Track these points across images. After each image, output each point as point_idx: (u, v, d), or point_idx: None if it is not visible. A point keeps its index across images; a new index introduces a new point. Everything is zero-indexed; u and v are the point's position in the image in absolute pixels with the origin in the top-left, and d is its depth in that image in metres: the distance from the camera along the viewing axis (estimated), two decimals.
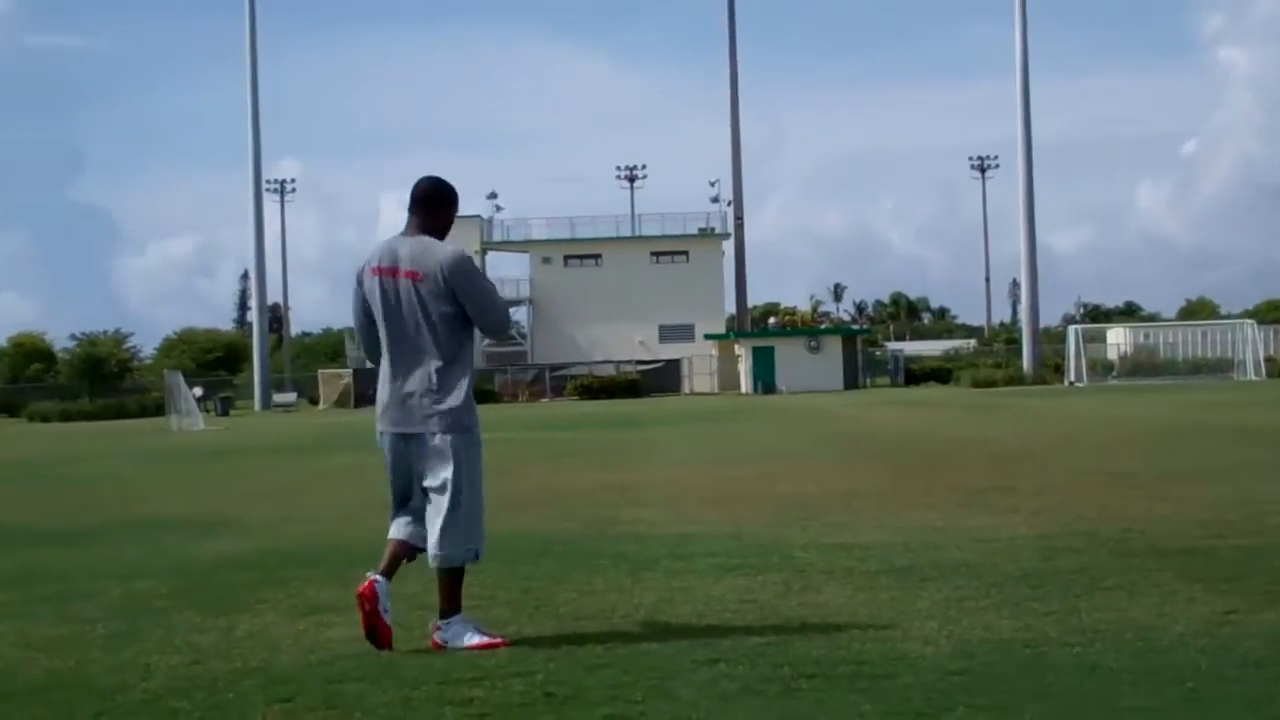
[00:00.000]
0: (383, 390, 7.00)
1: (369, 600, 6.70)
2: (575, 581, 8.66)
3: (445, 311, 6.81)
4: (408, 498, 7.02)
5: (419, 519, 6.98)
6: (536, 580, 8.75)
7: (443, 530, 6.80)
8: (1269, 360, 71.97)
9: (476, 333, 7.08)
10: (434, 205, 7.02)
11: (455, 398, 6.84)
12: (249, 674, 6.30)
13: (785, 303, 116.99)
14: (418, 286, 6.81)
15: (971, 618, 7.01)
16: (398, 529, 7.04)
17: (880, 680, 5.75)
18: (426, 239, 6.92)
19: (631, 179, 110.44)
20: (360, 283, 7.01)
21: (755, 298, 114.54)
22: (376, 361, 7.13)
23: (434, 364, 6.84)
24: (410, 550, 7.01)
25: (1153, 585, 7.84)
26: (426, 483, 6.87)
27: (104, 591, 9.02)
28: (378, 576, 6.80)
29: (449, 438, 6.82)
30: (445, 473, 6.81)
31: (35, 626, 7.79)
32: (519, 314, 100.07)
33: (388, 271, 6.88)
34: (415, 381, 6.86)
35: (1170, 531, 10.13)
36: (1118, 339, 79.66)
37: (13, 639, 7.42)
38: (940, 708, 5.28)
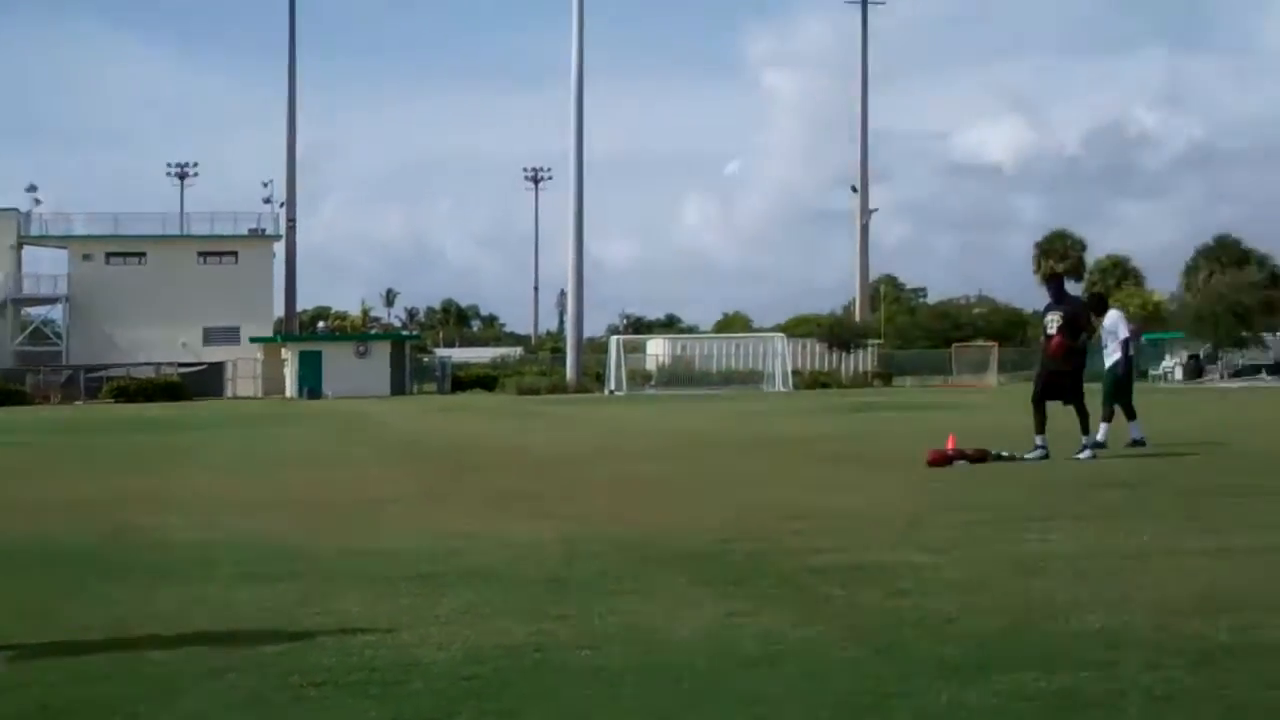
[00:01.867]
0: None
1: None
2: (91, 592, 8.39)
3: None
4: None
5: None
6: (47, 591, 8.45)
7: None
8: (796, 373, 75.87)
9: None
10: None
11: None
12: None
13: (337, 307, 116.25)
14: None
15: (487, 623, 7.13)
16: None
17: (391, 686, 5.79)
18: None
19: (182, 176, 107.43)
20: None
21: (307, 301, 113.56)
22: None
23: None
24: None
25: (666, 589, 8.12)
26: None
27: None
28: None
29: None
30: None
31: None
32: (54, 313, 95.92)
33: None
34: None
35: (688, 536, 10.47)
36: (657, 349, 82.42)
37: None
38: (447, 713, 5.37)
